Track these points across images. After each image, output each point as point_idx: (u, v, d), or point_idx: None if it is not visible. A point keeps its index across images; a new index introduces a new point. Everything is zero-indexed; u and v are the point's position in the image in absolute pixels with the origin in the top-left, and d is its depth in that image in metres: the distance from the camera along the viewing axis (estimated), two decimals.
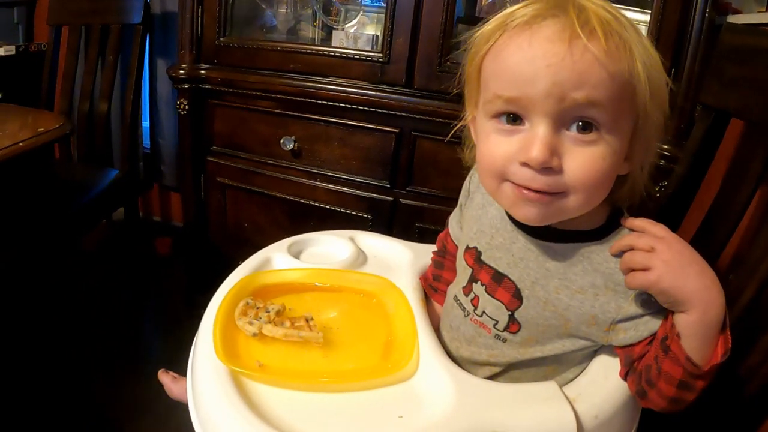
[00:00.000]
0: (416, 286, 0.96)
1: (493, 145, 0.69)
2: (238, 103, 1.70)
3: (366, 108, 1.52)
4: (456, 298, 0.85)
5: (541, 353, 0.76)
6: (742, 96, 1.03)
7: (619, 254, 0.69)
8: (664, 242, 0.65)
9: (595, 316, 0.71)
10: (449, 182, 1.48)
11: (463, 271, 0.85)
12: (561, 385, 0.73)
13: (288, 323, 0.80)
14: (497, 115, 0.68)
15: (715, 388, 0.67)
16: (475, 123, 0.77)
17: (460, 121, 0.83)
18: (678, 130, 1.22)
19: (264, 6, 1.88)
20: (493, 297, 0.78)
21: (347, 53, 1.54)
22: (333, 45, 1.73)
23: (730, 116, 1.09)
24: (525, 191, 0.66)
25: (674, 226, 0.69)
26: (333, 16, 1.82)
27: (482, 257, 0.81)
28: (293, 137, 1.63)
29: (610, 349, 0.75)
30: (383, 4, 1.58)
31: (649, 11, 1.28)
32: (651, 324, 0.69)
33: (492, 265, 0.79)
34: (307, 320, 0.81)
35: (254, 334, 0.78)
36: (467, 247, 0.85)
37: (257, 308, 0.82)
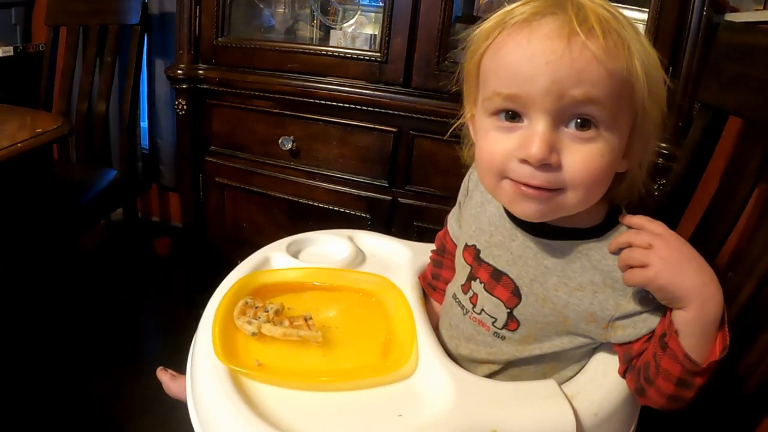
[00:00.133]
0: (415, 284, 0.96)
1: (493, 143, 0.69)
2: (237, 103, 1.70)
3: (364, 107, 1.52)
4: (455, 297, 0.85)
5: (539, 351, 0.76)
6: (741, 94, 1.03)
7: (617, 251, 0.70)
8: (662, 239, 0.66)
9: (594, 314, 0.72)
10: (448, 181, 1.48)
11: (462, 269, 0.85)
12: (560, 383, 0.73)
13: (287, 322, 0.80)
14: (496, 113, 0.68)
15: (713, 386, 0.68)
16: (474, 121, 0.77)
17: (459, 118, 0.83)
18: (676, 128, 1.22)
19: (262, 6, 1.88)
20: (491, 295, 0.78)
21: (345, 53, 1.54)
22: (331, 45, 1.73)
23: (728, 114, 1.09)
24: (524, 188, 0.67)
25: (673, 224, 0.69)
26: (331, 15, 1.82)
27: (481, 255, 0.81)
28: (291, 137, 1.63)
29: (609, 347, 0.75)
30: (381, 4, 1.58)
31: (647, 10, 1.28)
32: (649, 321, 0.69)
33: (491, 262, 0.79)
34: (306, 319, 0.81)
35: (253, 334, 0.78)
36: (466, 245, 0.85)
37: (256, 308, 0.83)
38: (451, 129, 0.85)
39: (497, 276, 0.78)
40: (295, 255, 1.04)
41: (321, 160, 1.64)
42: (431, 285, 0.98)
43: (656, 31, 1.25)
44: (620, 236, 0.70)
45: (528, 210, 0.69)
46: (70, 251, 2.17)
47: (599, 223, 0.74)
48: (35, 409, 1.57)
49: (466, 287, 0.83)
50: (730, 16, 1.26)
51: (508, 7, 0.68)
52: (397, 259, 1.05)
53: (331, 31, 1.78)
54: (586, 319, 0.72)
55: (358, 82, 1.52)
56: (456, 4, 1.45)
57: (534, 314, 0.75)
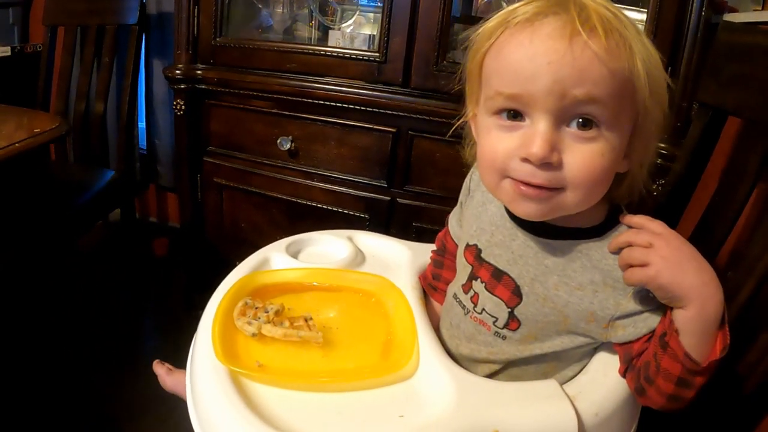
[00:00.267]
0: (415, 285, 0.96)
1: (494, 141, 0.69)
2: (235, 103, 1.70)
3: (363, 107, 1.51)
4: (456, 296, 0.85)
5: (540, 350, 0.76)
6: (740, 94, 1.03)
7: (617, 251, 0.70)
8: (662, 238, 0.66)
9: (594, 313, 0.72)
10: (447, 181, 1.48)
11: (463, 268, 0.85)
12: (561, 383, 0.73)
13: (287, 323, 0.79)
14: (498, 112, 0.69)
15: (713, 386, 0.67)
16: (476, 120, 0.77)
17: (460, 117, 0.83)
18: (675, 128, 1.22)
19: (260, 6, 1.88)
20: (492, 294, 0.79)
21: (344, 53, 1.54)
22: (329, 45, 1.72)
23: (728, 114, 1.09)
24: (524, 188, 0.67)
25: (672, 224, 0.69)
26: (329, 15, 1.81)
27: (482, 254, 0.81)
28: (290, 137, 1.63)
29: (610, 347, 0.75)
30: (380, 4, 1.58)
31: (646, 10, 1.28)
32: (650, 321, 0.69)
33: (492, 262, 0.79)
34: (306, 320, 0.80)
35: (253, 334, 0.78)
36: (467, 245, 0.85)
37: (256, 308, 0.82)
38: (453, 128, 0.85)
39: (498, 275, 0.78)
40: (295, 255, 1.03)
41: (319, 161, 1.63)
42: (432, 285, 0.98)
43: (655, 32, 1.25)
44: (620, 236, 0.70)
45: (528, 209, 0.69)
46: (68, 252, 2.17)
47: (600, 222, 0.74)
48: (35, 409, 1.56)
49: (467, 287, 0.83)
50: (729, 17, 1.26)
51: (511, 7, 0.68)
52: (396, 259, 1.05)
53: (330, 32, 1.78)
54: (587, 318, 0.72)
55: (357, 82, 1.52)
56: (455, 4, 1.45)
57: (535, 314, 0.75)
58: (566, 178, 0.65)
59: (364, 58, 1.51)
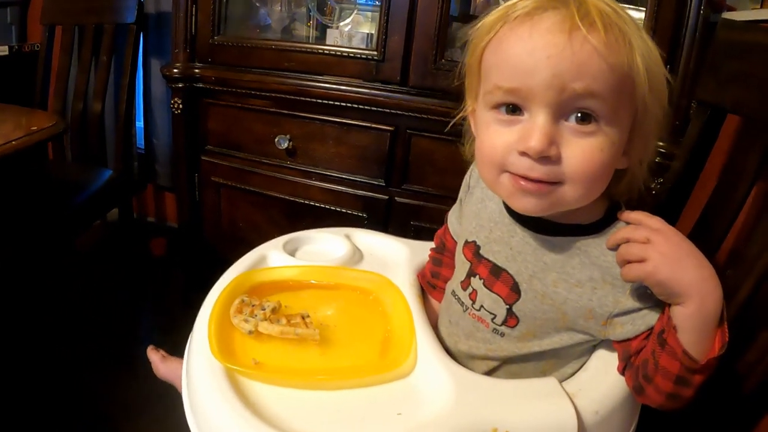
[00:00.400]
0: (413, 282, 0.95)
1: (493, 136, 0.69)
2: (233, 101, 1.69)
3: (361, 106, 1.51)
4: (454, 293, 0.85)
5: (539, 347, 0.76)
6: (739, 92, 1.02)
7: (615, 247, 0.69)
8: (661, 234, 0.65)
9: (593, 310, 0.71)
10: (445, 180, 1.48)
11: (462, 265, 0.85)
12: (560, 381, 0.72)
13: (284, 320, 0.79)
14: (497, 106, 0.69)
15: (713, 385, 0.67)
16: (475, 115, 0.77)
17: (459, 113, 0.83)
18: (674, 127, 1.22)
19: (258, 4, 1.88)
20: (491, 291, 0.78)
21: (342, 51, 1.54)
22: (327, 43, 1.72)
23: (727, 112, 1.09)
24: (523, 182, 0.67)
25: (671, 223, 0.69)
26: (327, 14, 1.81)
27: (481, 251, 0.81)
28: (288, 136, 1.62)
29: (609, 344, 0.75)
30: (378, 3, 1.57)
31: (644, 9, 1.28)
32: (648, 318, 0.69)
33: (490, 258, 0.79)
34: (303, 317, 0.80)
35: (250, 332, 0.77)
36: (466, 242, 0.85)
37: (253, 306, 0.82)
38: (452, 123, 0.85)
39: (497, 272, 0.78)
40: (292, 253, 1.03)
41: (318, 159, 1.63)
42: (431, 283, 0.98)
43: (653, 30, 1.25)
44: (618, 232, 0.70)
45: (527, 204, 0.69)
46: (65, 251, 2.16)
47: (598, 219, 0.74)
48: (31, 408, 1.56)
49: (465, 284, 0.83)
50: (728, 15, 1.26)
51: (511, 2, 0.68)
52: (394, 257, 1.04)
53: (328, 30, 1.77)
54: (585, 315, 0.72)
55: (355, 80, 1.52)
56: (453, 2, 1.45)
57: (533, 310, 0.75)
58: (565, 172, 0.65)
59: (362, 56, 1.51)
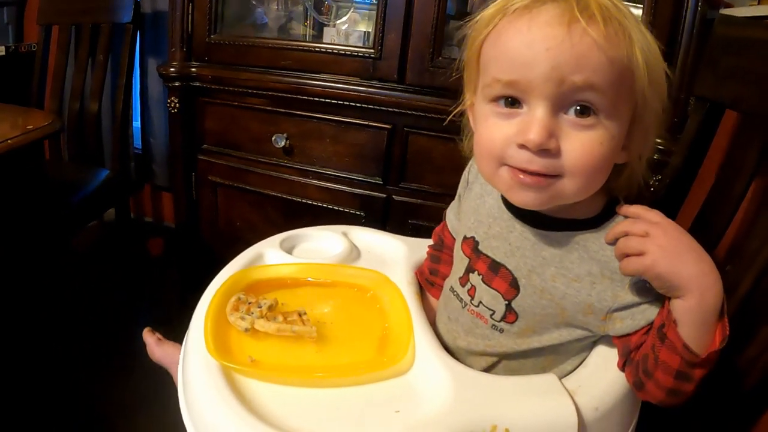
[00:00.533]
0: (411, 280, 0.95)
1: (492, 129, 0.69)
2: (230, 100, 1.69)
3: (358, 104, 1.50)
4: (452, 289, 0.85)
5: (538, 343, 0.75)
6: (737, 87, 1.02)
7: (614, 242, 0.69)
8: (660, 227, 0.65)
9: (591, 305, 0.71)
10: (443, 178, 1.47)
11: (460, 261, 0.84)
12: (560, 377, 0.72)
13: (281, 318, 0.78)
14: (496, 99, 0.68)
15: (713, 380, 0.67)
16: (474, 109, 0.77)
17: (458, 105, 0.83)
18: (672, 123, 1.21)
19: (255, 3, 1.87)
20: (489, 286, 0.78)
21: (339, 49, 1.53)
22: (324, 41, 1.72)
23: (725, 108, 1.08)
24: (522, 176, 0.66)
25: (670, 218, 0.69)
26: (324, 12, 1.80)
27: (479, 247, 0.81)
28: (285, 134, 1.62)
29: (609, 340, 0.75)
30: (374, 1, 1.57)
31: (641, 5, 1.28)
32: (648, 313, 0.69)
33: (489, 254, 0.79)
34: (300, 315, 0.80)
35: (246, 330, 0.77)
36: (465, 237, 0.84)
37: (249, 303, 0.81)
38: (451, 116, 0.85)
39: (495, 267, 0.77)
40: (289, 251, 1.02)
41: (315, 158, 1.62)
42: (429, 280, 0.98)
43: (651, 27, 1.24)
44: (617, 226, 0.70)
45: (526, 198, 0.68)
46: (62, 251, 2.16)
47: (597, 213, 0.74)
48: (28, 408, 1.55)
49: (464, 280, 0.82)
50: (725, 12, 1.26)
51: None
52: (392, 254, 1.04)
53: (325, 29, 1.76)
54: (584, 310, 0.72)
55: (352, 78, 1.51)
56: (449, 0, 1.44)
57: (532, 306, 0.74)
58: (564, 165, 0.65)
59: (359, 54, 1.51)
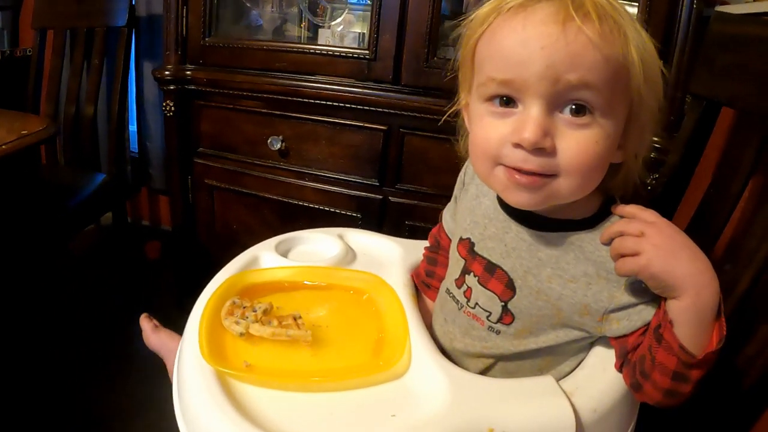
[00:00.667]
0: (407, 282, 0.94)
1: (487, 128, 0.69)
2: (225, 103, 1.68)
3: (353, 106, 1.50)
4: (449, 291, 0.84)
5: (535, 345, 0.75)
6: (733, 84, 1.02)
7: (609, 242, 0.68)
8: (654, 227, 0.65)
9: (588, 306, 0.70)
10: (439, 179, 1.47)
11: (456, 263, 0.84)
12: (558, 379, 0.71)
13: (275, 322, 0.78)
14: (491, 98, 0.68)
15: (712, 380, 0.66)
16: (469, 109, 0.76)
17: (453, 105, 0.82)
18: (668, 121, 1.21)
19: (249, 5, 1.87)
20: (486, 288, 0.77)
21: (334, 51, 1.53)
22: (319, 43, 1.71)
23: (721, 106, 1.08)
24: (517, 176, 0.66)
25: (667, 217, 0.68)
26: (319, 14, 1.80)
27: (475, 248, 0.80)
28: (281, 137, 1.61)
29: (607, 341, 0.74)
30: (369, 2, 1.56)
31: (637, 3, 1.27)
32: (644, 313, 0.68)
33: (485, 255, 0.78)
34: (295, 319, 0.79)
35: (241, 334, 0.76)
36: (461, 239, 0.84)
37: (244, 307, 0.81)
38: (446, 116, 0.84)
39: (491, 269, 0.77)
40: (285, 254, 1.02)
41: (310, 160, 1.62)
42: (425, 283, 0.97)
43: (646, 25, 1.24)
44: (612, 225, 0.69)
45: (522, 198, 0.68)
46: (60, 255, 2.15)
47: (593, 214, 0.73)
48: (25, 412, 1.55)
49: (460, 281, 0.82)
50: (721, 9, 1.25)
51: None
52: (388, 256, 1.03)
53: (320, 30, 1.76)
54: (580, 311, 0.71)
55: (347, 80, 1.51)
56: (444, 0, 1.44)
57: (528, 307, 0.74)
58: (560, 164, 0.64)
59: (354, 56, 1.50)
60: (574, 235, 0.72)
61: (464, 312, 0.80)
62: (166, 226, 2.57)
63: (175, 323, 1.09)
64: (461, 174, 0.92)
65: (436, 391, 0.70)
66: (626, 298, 0.69)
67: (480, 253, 0.79)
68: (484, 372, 0.78)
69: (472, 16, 0.71)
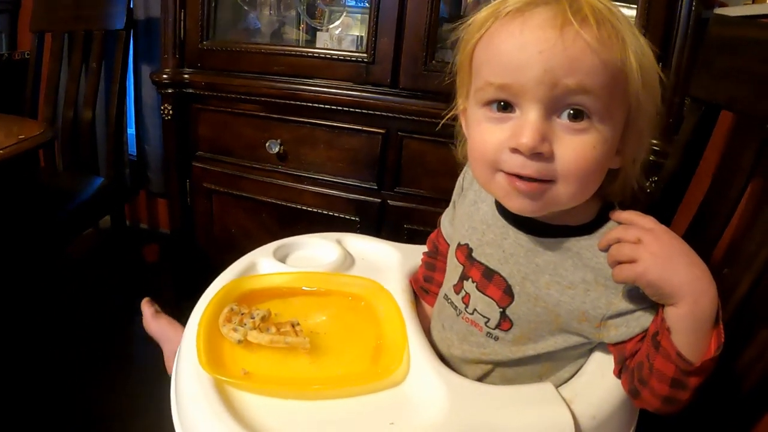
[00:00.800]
0: (405, 288, 0.94)
1: (485, 133, 0.68)
2: (223, 107, 1.68)
3: (352, 109, 1.50)
4: (447, 297, 0.84)
5: (534, 351, 0.75)
6: (732, 87, 1.02)
7: (607, 248, 0.68)
8: (652, 234, 0.64)
9: (586, 312, 0.70)
10: (437, 182, 1.47)
11: (454, 268, 0.84)
12: (557, 385, 0.71)
13: (273, 329, 0.77)
14: (488, 103, 0.68)
15: (711, 385, 0.66)
16: (466, 114, 0.76)
17: (450, 110, 0.82)
18: (667, 124, 1.21)
19: (247, 9, 1.86)
20: (484, 294, 0.77)
21: (332, 54, 1.53)
22: (317, 46, 1.71)
23: (720, 109, 1.08)
24: (517, 182, 0.66)
25: (666, 222, 0.68)
26: (317, 17, 1.80)
27: (473, 254, 0.80)
28: (279, 140, 1.61)
29: (606, 347, 0.74)
30: (367, 5, 1.56)
31: (635, 6, 1.27)
32: (642, 320, 0.68)
33: (483, 261, 0.78)
34: (293, 325, 0.78)
35: (239, 341, 0.76)
36: (459, 244, 0.84)
37: (242, 314, 0.80)
38: (443, 120, 0.84)
39: (489, 275, 0.77)
40: (282, 260, 1.02)
41: (309, 164, 1.62)
42: (424, 288, 0.97)
43: (645, 28, 1.24)
44: (610, 232, 0.69)
45: (522, 205, 0.68)
46: (58, 259, 2.15)
47: (591, 220, 0.73)
48: (25, 414, 1.55)
49: (458, 287, 0.82)
50: (720, 11, 1.25)
51: None
52: (386, 261, 1.03)
53: (318, 33, 1.76)
54: (578, 318, 0.71)
55: (346, 83, 1.51)
56: (442, 3, 1.44)
57: (527, 313, 0.74)
58: (558, 170, 0.64)
59: (352, 59, 1.50)
60: (573, 241, 0.72)
61: (462, 318, 0.80)
62: (165, 229, 2.57)
63: None
64: (459, 179, 0.92)
65: (435, 399, 0.69)
66: (624, 305, 0.68)
67: (478, 258, 0.79)
68: (482, 378, 0.78)
69: (470, 20, 0.71)
